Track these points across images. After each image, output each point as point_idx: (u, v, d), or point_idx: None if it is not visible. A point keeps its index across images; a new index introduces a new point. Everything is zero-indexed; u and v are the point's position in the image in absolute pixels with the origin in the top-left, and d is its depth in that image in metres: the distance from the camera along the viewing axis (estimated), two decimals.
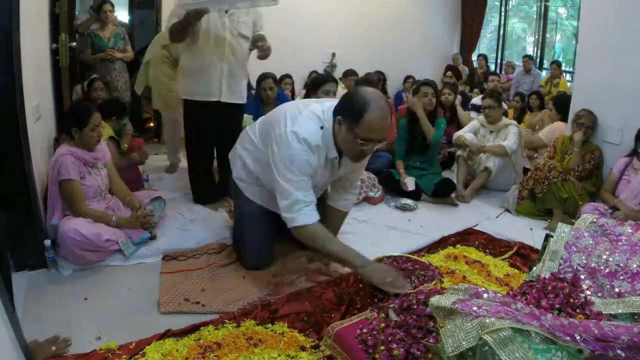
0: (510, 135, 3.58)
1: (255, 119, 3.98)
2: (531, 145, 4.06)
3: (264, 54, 2.83)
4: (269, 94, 3.85)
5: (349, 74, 5.28)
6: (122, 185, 2.63)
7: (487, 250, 2.67)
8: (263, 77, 3.88)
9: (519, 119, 4.90)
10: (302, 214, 1.96)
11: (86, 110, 2.40)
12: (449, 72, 6.19)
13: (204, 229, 2.74)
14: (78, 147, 2.39)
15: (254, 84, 4.03)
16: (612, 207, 2.80)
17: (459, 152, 3.69)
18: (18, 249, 2.19)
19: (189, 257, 2.45)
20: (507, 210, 3.30)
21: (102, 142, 2.54)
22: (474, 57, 7.36)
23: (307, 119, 2.00)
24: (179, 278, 2.26)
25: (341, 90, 5.59)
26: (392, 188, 3.51)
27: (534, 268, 1.49)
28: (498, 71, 7.53)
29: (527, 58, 6.44)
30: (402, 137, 3.60)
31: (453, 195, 3.47)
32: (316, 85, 3.24)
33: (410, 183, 3.41)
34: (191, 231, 2.70)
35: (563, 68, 6.26)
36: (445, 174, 3.78)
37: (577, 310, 1.20)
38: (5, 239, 2.05)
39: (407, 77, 6.31)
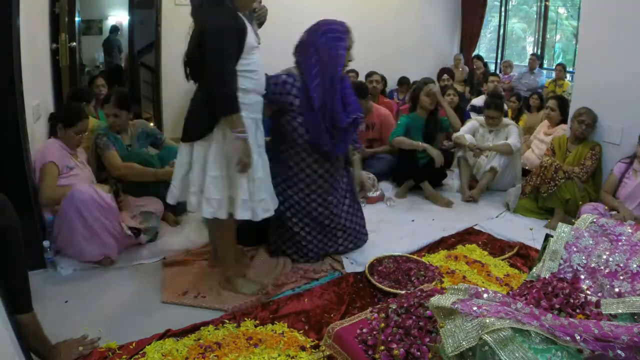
0: (512, 135, 3.59)
1: None
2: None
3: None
4: None
5: (349, 72, 5.50)
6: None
7: (487, 250, 2.67)
8: None
9: (516, 119, 4.90)
10: None
11: (77, 113, 2.41)
12: (445, 75, 6.06)
13: (204, 230, 2.72)
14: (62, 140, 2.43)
15: None
16: (612, 209, 2.80)
17: (459, 153, 3.68)
18: None
19: (188, 253, 2.47)
20: (508, 209, 3.30)
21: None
22: (472, 58, 7.35)
23: None
24: (180, 269, 2.31)
25: None
26: (411, 174, 3.47)
27: (534, 268, 1.49)
28: (498, 71, 7.52)
29: (534, 57, 6.42)
30: (402, 125, 3.53)
31: (458, 193, 3.48)
32: None
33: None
34: (192, 233, 2.71)
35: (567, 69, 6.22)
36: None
37: (577, 310, 1.20)
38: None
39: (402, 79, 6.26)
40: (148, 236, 2.52)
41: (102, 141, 2.65)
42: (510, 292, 1.35)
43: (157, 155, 2.91)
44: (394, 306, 1.53)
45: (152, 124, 5.14)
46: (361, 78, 5.68)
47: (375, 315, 1.55)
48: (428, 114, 3.53)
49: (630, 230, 1.39)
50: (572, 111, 3.38)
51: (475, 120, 3.89)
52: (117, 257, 2.35)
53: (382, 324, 1.45)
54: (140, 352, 1.70)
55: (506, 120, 3.80)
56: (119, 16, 6.69)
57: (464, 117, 4.45)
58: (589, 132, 3.20)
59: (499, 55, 7.77)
